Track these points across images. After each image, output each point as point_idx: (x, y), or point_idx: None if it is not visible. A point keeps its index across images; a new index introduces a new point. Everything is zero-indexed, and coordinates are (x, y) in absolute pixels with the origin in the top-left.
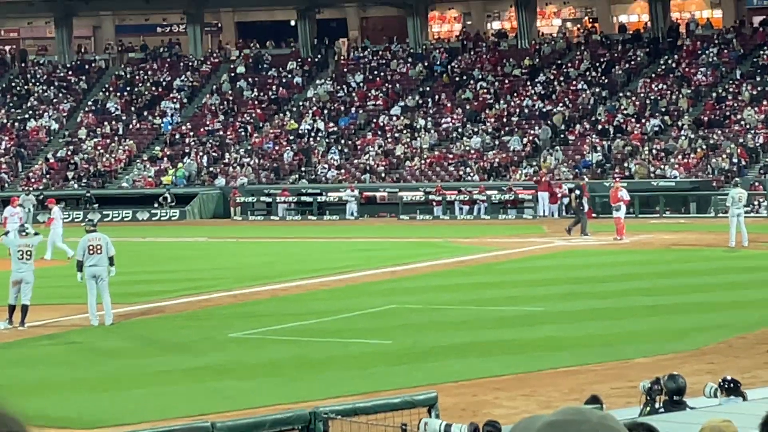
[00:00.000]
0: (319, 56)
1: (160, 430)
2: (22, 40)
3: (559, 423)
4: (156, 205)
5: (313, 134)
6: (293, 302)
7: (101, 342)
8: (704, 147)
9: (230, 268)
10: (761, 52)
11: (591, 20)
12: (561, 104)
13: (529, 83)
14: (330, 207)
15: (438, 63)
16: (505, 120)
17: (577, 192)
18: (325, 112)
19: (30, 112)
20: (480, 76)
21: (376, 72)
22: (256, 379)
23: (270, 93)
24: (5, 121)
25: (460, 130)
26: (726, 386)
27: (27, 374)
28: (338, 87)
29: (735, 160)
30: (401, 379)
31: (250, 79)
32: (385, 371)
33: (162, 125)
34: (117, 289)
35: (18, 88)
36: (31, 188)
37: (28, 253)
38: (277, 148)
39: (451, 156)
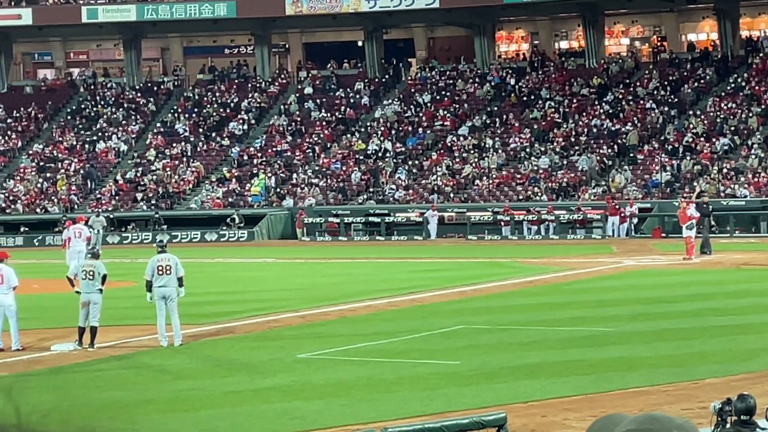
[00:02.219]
0: (387, 76)
1: None
2: (92, 62)
3: None
4: (224, 226)
5: (380, 154)
6: (361, 323)
7: (170, 363)
8: None
9: (298, 288)
10: None
11: (659, 39)
12: (629, 123)
13: (597, 102)
14: (398, 227)
15: (506, 82)
16: (573, 139)
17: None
18: (393, 132)
19: (99, 133)
20: (548, 96)
21: (443, 92)
22: (325, 400)
23: (337, 113)
24: (75, 143)
25: (528, 149)
26: None
27: (96, 395)
28: (406, 107)
29: None
30: (470, 400)
31: (317, 100)
32: (453, 392)
33: (230, 146)
34: (186, 309)
35: (87, 111)
36: (100, 209)
37: (90, 273)
38: (344, 168)
39: (519, 176)
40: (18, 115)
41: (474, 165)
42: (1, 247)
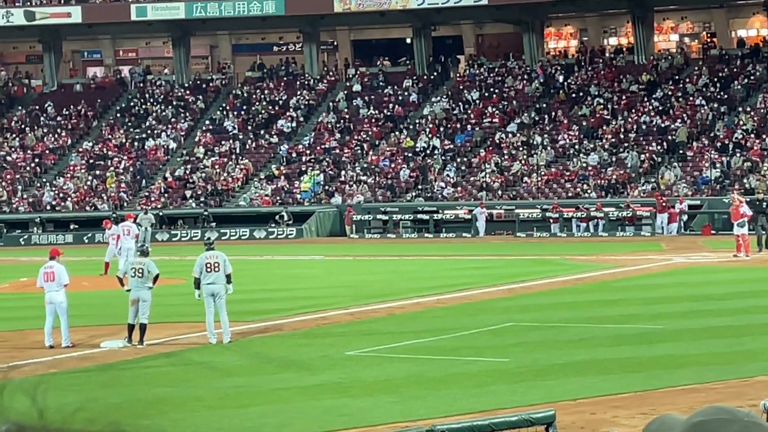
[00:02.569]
0: (435, 74)
1: None
2: (141, 60)
3: (707, 423)
4: (273, 223)
5: (429, 152)
6: (410, 320)
7: (219, 360)
8: None
9: (347, 286)
10: None
11: (709, 35)
12: (679, 120)
13: (646, 99)
14: (446, 224)
15: (554, 79)
16: (622, 136)
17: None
18: (441, 129)
19: (148, 131)
20: (597, 92)
21: (492, 89)
22: (373, 397)
23: (386, 111)
24: (124, 140)
25: (576, 146)
26: None
27: (145, 392)
28: (454, 104)
29: None
30: (519, 397)
31: (366, 97)
32: (502, 389)
33: (278, 144)
34: (234, 307)
35: (136, 108)
36: (148, 207)
37: (140, 271)
38: (393, 165)
39: (568, 173)
40: (68, 112)
41: (523, 162)
42: (52, 245)
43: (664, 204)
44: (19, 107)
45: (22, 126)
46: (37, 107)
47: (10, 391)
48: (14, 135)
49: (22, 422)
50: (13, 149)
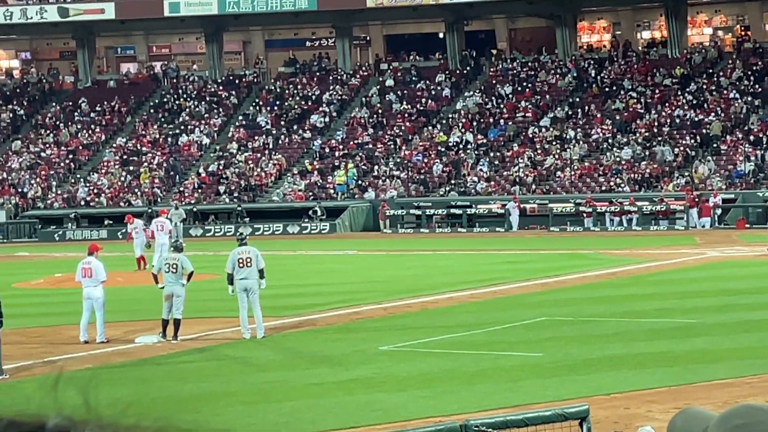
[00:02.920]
0: (468, 68)
1: None
2: (174, 56)
3: (750, 426)
4: (306, 218)
5: (462, 146)
6: (443, 315)
7: (253, 355)
8: None
9: (380, 281)
10: None
11: (743, 28)
12: (713, 114)
13: (680, 93)
14: (480, 219)
15: (587, 73)
16: (655, 130)
17: None
18: (474, 124)
19: (182, 127)
20: (630, 86)
21: (525, 83)
22: (407, 392)
23: (419, 105)
24: (158, 136)
25: (610, 140)
26: None
27: (180, 387)
28: (487, 99)
29: None
30: (552, 392)
31: (398, 92)
32: (536, 384)
33: (311, 139)
34: (268, 302)
35: (170, 104)
36: (176, 202)
37: (174, 266)
38: (426, 160)
39: (601, 167)
40: (101, 108)
41: (556, 156)
42: (86, 240)
43: (695, 199)
44: (53, 103)
45: (56, 122)
46: (71, 103)
47: (62, 384)
48: (48, 131)
49: (74, 416)
50: (47, 145)
